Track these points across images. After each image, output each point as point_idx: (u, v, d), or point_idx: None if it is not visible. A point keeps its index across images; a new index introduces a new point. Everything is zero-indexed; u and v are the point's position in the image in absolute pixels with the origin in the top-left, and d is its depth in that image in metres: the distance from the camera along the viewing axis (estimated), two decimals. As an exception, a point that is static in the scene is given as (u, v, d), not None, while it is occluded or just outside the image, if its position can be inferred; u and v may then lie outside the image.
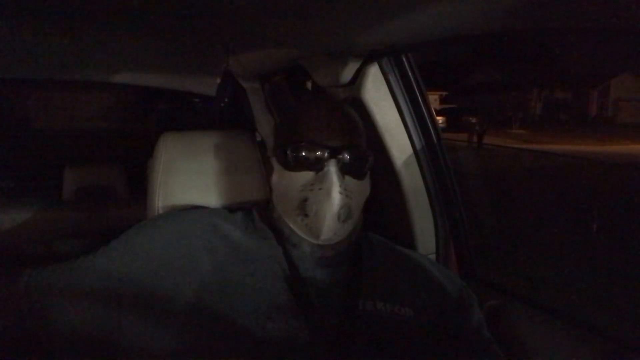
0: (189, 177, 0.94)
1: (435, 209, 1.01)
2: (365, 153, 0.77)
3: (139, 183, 1.72)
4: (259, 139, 1.04)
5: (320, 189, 0.72)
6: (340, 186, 0.72)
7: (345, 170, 0.73)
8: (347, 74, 0.94)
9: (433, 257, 1.02)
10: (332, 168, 0.72)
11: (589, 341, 0.78)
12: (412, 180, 0.99)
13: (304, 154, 0.74)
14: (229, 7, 0.80)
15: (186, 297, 0.68)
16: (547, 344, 0.82)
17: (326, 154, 0.72)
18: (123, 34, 1.12)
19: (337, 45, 0.89)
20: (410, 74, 0.97)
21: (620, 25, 0.55)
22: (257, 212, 0.84)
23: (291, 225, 0.77)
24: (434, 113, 1.02)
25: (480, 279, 1.02)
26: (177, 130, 1.00)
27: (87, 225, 1.71)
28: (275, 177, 0.81)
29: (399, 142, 0.97)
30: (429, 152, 1.00)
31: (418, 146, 0.98)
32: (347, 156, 0.73)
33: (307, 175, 0.74)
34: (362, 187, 0.78)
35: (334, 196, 0.70)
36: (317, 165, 0.73)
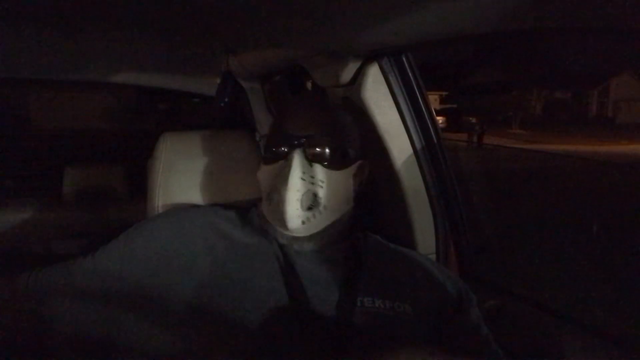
0: (189, 177, 0.94)
1: (435, 209, 1.01)
2: (339, 144, 0.78)
3: (139, 183, 1.72)
4: (258, 139, 1.04)
5: (281, 175, 0.74)
6: (303, 172, 0.74)
7: (314, 159, 0.76)
8: (347, 74, 0.93)
9: (433, 257, 1.02)
10: (294, 155, 0.74)
11: (589, 341, 0.78)
12: (412, 180, 0.98)
13: (274, 145, 0.78)
14: (229, 7, 0.80)
15: (185, 295, 0.69)
16: (547, 344, 0.82)
17: (292, 143, 0.75)
18: (123, 34, 1.12)
19: (337, 45, 0.88)
20: (410, 74, 0.97)
21: (620, 25, 0.55)
22: (256, 210, 0.84)
23: (267, 218, 0.79)
24: (434, 113, 1.02)
25: (480, 279, 1.02)
26: (177, 131, 1.00)
27: (87, 225, 1.72)
28: (258, 173, 0.83)
29: (399, 142, 0.97)
30: (429, 152, 1.00)
31: (418, 146, 0.98)
32: (314, 145, 0.75)
33: (278, 167, 0.77)
34: (339, 178, 0.78)
35: (291, 181, 0.73)
36: (286, 156, 0.76)
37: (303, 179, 0.73)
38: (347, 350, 0.67)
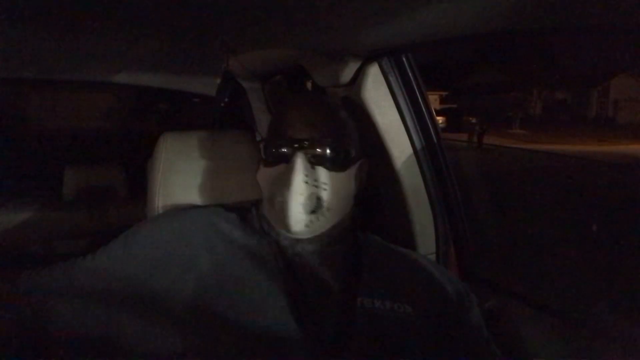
0: (189, 177, 0.94)
1: (435, 209, 1.01)
2: (341, 145, 0.77)
3: (139, 183, 1.72)
4: (258, 139, 1.04)
5: (284, 179, 0.73)
6: (306, 175, 0.73)
7: (317, 161, 0.75)
8: (347, 74, 0.93)
9: (433, 257, 1.02)
10: (296, 159, 0.73)
11: (589, 341, 0.78)
12: (412, 180, 0.98)
13: (274, 147, 0.77)
14: (229, 7, 0.80)
15: (185, 295, 0.69)
16: (547, 344, 0.82)
17: (294, 146, 0.74)
18: (123, 34, 1.12)
19: (337, 45, 0.89)
20: (410, 74, 0.97)
21: (620, 25, 0.55)
22: (256, 210, 0.84)
23: (269, 220, 0.79)
24: (434, 113, 1.02)
25: (480, 279, 1.02)
26: (177, 131, 1.00)
27: (87, 225, 1.71)
28: (258, 175, 0.83)
29: (399, 142, 0.97)
30: (429, 152, 1.00)
31: (418, 146, 0.98)
32: (317, 148, 0.74)
33: (280, 169, 0.76)
34: (342, 180, 0.78)
35: (295, 184, 0.72)
36: (288, 158, 0.75)
37: (306, 182, 0.73)
38: (347, 352, 0.67)
